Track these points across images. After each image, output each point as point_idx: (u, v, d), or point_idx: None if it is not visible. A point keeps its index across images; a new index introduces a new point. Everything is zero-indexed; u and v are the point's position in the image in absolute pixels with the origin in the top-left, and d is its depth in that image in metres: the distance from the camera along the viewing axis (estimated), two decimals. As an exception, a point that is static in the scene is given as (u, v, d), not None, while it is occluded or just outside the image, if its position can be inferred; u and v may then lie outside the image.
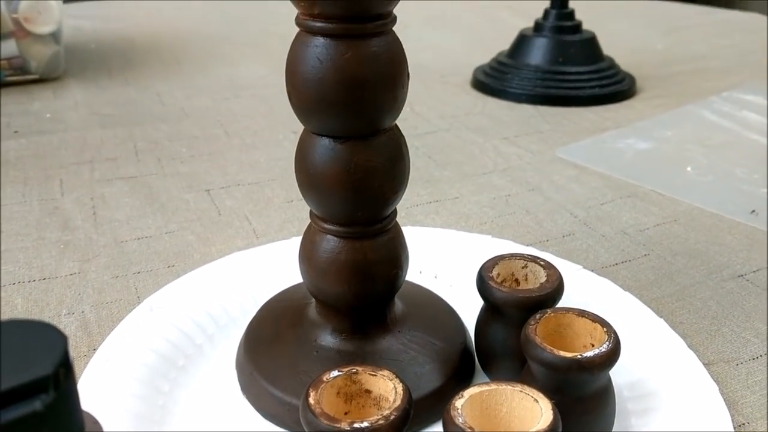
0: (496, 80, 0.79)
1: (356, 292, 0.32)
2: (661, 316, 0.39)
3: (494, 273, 0.34)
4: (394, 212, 0.33)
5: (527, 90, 0.76)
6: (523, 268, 0.35)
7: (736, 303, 0.41)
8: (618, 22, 1.16)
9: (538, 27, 0.80)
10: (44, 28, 0.80)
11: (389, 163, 0.31)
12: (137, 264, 0.45)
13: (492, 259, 0.35)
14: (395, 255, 0.33)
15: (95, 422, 0.19)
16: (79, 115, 0.71)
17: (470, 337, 0.36)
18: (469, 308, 0.38)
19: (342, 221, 0.32)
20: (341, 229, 0.32)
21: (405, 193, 0.50)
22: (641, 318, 0.38)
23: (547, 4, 0.80)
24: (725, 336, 0.39)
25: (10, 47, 0.79)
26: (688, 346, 0.36)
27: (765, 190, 0.55)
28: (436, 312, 0.38)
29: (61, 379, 0.17)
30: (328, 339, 0.34)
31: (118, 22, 1.11)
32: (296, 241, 0.43)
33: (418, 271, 0.43)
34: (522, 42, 0.80)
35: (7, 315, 0.40)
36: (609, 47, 0.84)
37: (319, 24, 0.28)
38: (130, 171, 0.59)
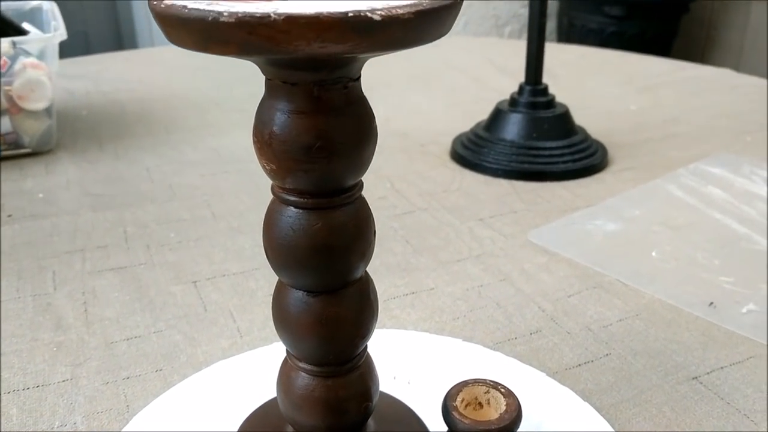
0: (474, 153, 0.82)
1: (329, 425, 0.35)
2: (617, 424, 0.42)
3: (459, 399, 0.37)
4: (365, 348, 0.36)
5: (503, 165, 0.79)
6: (485, 393, 0.38)
7: (688, 409, 0.44)
8: (595, 77, 1.20)
9: (513, 102, 0.83)
10: (37, 105, 0.83)
11: (358, 312, 0.33)
12: (126, 368, 0.48)
13: (457, 385, 0.38)
14: (365, 389, 0.36)
15: None
16: (71, 194, 0.74)
17: (438, 451, 0.39)
18: (438, 416, 0.40)
19: (315, 362, 0.34)
20: (314, 368, 0.34)
21: (383, 285, 0.53)
22: (597, 427, 0.40)
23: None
24: (677, 446, 0.41)
25: (4, 124, 0.82)
26: (641, 459, 0.39)
27: (724, 279, 0.59)
28: (407, 429, 0.40)
29: None
30: (304, 463, 0.37)
31: (108, 83, 1.14)
32: (277, 347, 0.46)
33: (392, 377, 0.46)
34: (498, 116, 0.83)
35: (4, 426, 0.43)
36: (583, 110, 0.87)
37: (291, 198, 0.31)
38: (120, 261, 0.61)
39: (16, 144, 0.83)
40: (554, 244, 0.64)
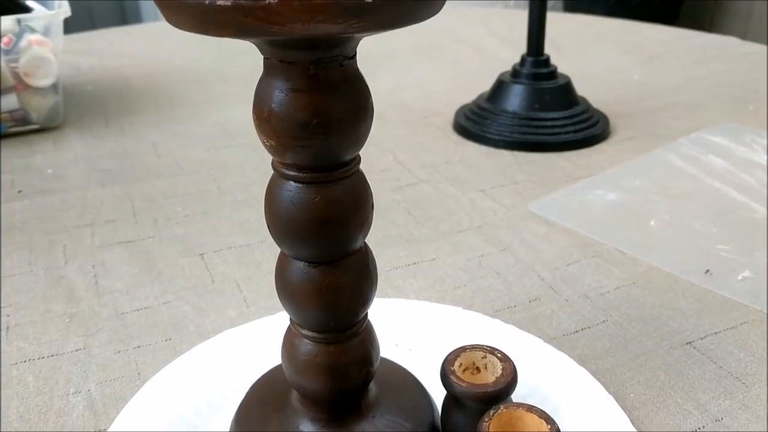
0: (476, 125, 0.83)
1: (331, 389, 0.36)
2: (612, 387, 0.44)
3: (456, 364, 0.38)
4: (365, 315, 0.37)
5: (505, 136, 0.80)
6: (482, 358, 0.39)
7: (681, 373, 0.46)
8: (599, 46, 1.20)
9: (515, 73, 0.84)
10: (43, 82, 0.84)
11: (357, 282, 0.35)
12: (137, 338, 0.50)
13: (455, 351, 0.39)
14: (366, 355, 0.37)
15: None
16: (79, 170, 0.75)
17: (438, 414, 0.41)
18: (439, 381, 0.41)
19: (316, 329, 0.36)
20: (316, 335, 0.36)
21: (386, 256, 0.54)
22: (592, 395, 0.42)
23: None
24: (669, 408, 0.43)
25: (11, 101, 0.83)
26: (633, 420, 0.41)
27: (720, 247, 0.60)
28: (408, 393, 0.42)
29: None
30: (308, 426, 0.38)
31: (113, 58, 1.15)
32: (282, 317, 0.47)
33: (394, 344, 0.47)
34: (500, 88, 0.84)
35: (20, 394, 0.45)
36: (585, 79, 0.88)
37: (291, 172, 0.32)
38: (129, 234, 0.63)
39: (24, 120, 0.85)
40: (554, 214, 0.65)
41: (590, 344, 0.48)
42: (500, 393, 0.37)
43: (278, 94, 0.30)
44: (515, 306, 0.53)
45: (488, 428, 0.34)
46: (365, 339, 0.37)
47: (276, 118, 0.30)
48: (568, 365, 0.44)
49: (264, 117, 0.30)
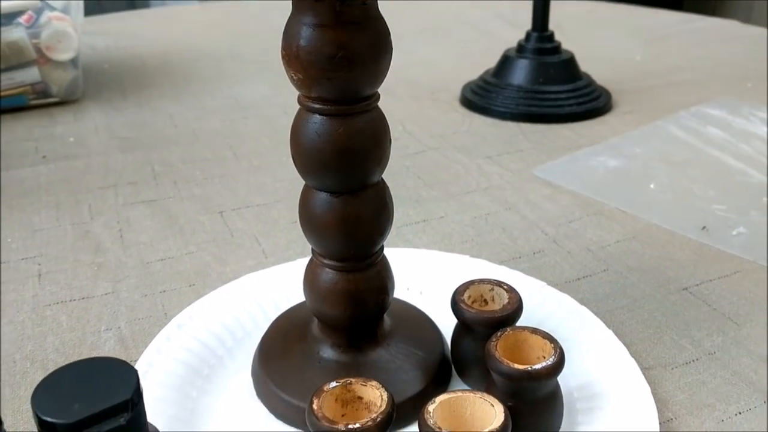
0: (482, 98, 0.85)
1: (350, 315, 0.39)
2: (611, 327, 0.46)
3: (465, 296, 0.41)
4: (381, 248, 0.40)
5: (510, 108, 0.83)
6: (490, 290, 0.42)
7: (677, 314, 0.48)
8: (603, 30, 1.23)
9: (520, 48, 0.86)
10: (64, 56, 0.87)
11: (376, 212, 0.38)
12: (162, 283, 0.52)
13: (464, 284, 0.42)
14: (383, 284, 0.40)
15: (156, 430, 0.26)
16: (100, 139, 0.78)
17: (448, 347, 0.43)
18: (448, 320, 0.44)
19: (337, 258, 0.38)
20: (337, 264, 0.39)
21: (397, 213, 0.57)
22: (593, 329, 0.45)
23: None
24: (665, 343, 0.46)
25: (32, 74, 0.86)
26: (632, 353, 0.43)
27: (717, 206, 0.62)
28: (420, 326, 0.45)
29: (136, 402, 0.24)
30: (328, 352, 0.41)
31: (128, 38, 1.18)
32: (300, 263, 0.50)
33: (406, 288, 0.50)
34: (506, 63, 0.86)
35: (54, 331, 0.47)
36: (589, 60, 0.91)
37: (316, 105, 0.34)
38: (150, 195, 0.66)
39: (45, 93, 0.87)
40: (558, 178, 0.68)
41: (591, 290, 0.51)
42: (507, 318, 0.39)
43: (306, 30, 0.33)
44: (520, 257, 0.55)
45: (496, 348, 0.37)
46: (382, 270, 0.40)
47: (304, 52, 0.33)
48: (570, 304, 0.47)
49: (293, 52, 0.33)
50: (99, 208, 0.63)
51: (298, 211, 0.39)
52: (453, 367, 0.43)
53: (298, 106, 0.36)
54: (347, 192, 0.37)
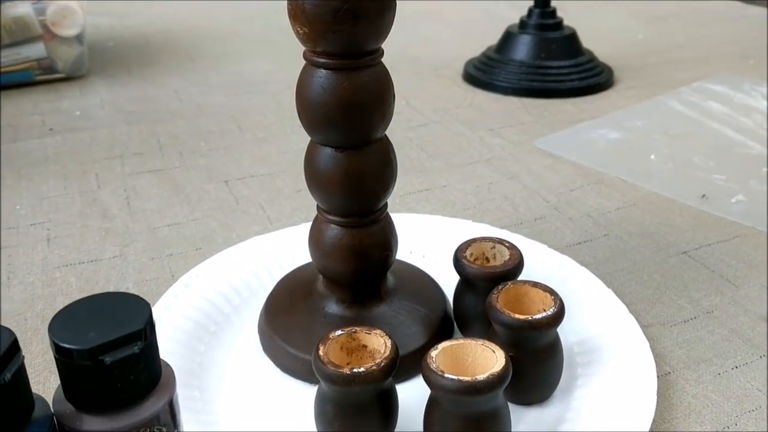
0: (485, 74, 0.86)
1: (354, 270, 0.40)
2: (611, 288, 0.47)
3: (468, 253, 0.42)
4: (385, 205, 0.41)
5: (513, 83, 0.83)
6: (491, 248, 0.42)
7: (676, 276, 0.49)
8: (605, 10, 1.23)
9: (522, 25, 0.87)
10: (69, 31, 0.87)
11: (379, 167, 0.38)
12: (169, 247, 0.53)
13: (466, 241, 0.43)
14: (386, 240, 0.41)
15: (168, 365, 0.27)
16: (106, 112, 0.79)
17: (450, 305, 0.44)
18: (451, 282, 0.45)
19: (342, 213, 0.39)
20: (342, 219, 0.39)
21: (400, 182, 0.58)
22: (592, 288, 0.45)
23: None
24: (664, 303, 0.46)
25: (39, 49, 0.86)
26: (631, 312, 0.44)
27: (716, 176, 0.63)
28: (422, 285, 0.45)
29: (148, 332, 0.25)
30: (333, 307, 0.42)
31: (132, 18, 1.18)
32: (305, 227, 0.51)
33: (409, 252, 0.50)
34: (508, 39, 0.87)
35: (63, 292, 0.48)
36: (592, 39, 0.91)
37: (321, 60, 0.35)
38: (156, 165, 0.66)
39: (51, 69, 0.88)
40: (559, 149, 0.69)
41: (592, 253, 0.52)
42: (508, 274, 0.40)
43: (312, -16, 0.33)
44: (522, 223, 0.56)
45: (497, 300, 0.37)
46: (385, 227, 0.41)
47: (309, 5, 0.33)
48: (570, 265, 0.48)
49: (298, 6, 0.34)
50: (106, 178, 0.64)
51: (303, 170, 0.40)
52: (455, 323, 0.43)
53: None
54: (351, 147, 0.37)
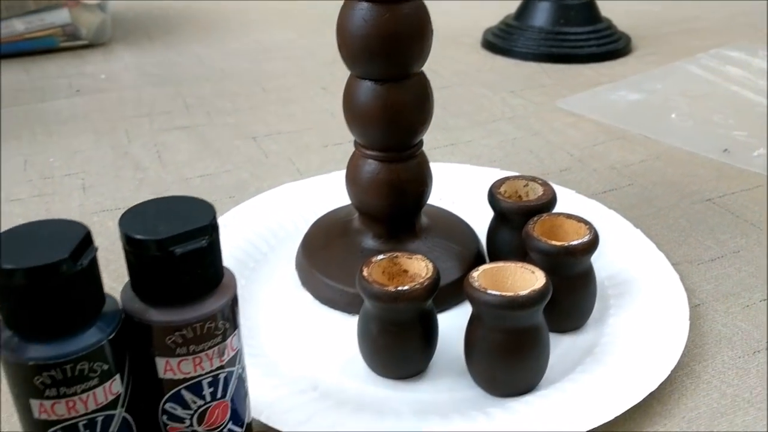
0: (504, 40, 0.87)
1: (391, 204, 0.41)
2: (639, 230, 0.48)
3: (501, 190, 0.43)
4: (421, 142, 0.42)
5: (532, 49, 0.84)
6: (524, 186, 0.43)
7: (702, 220, 0.50)
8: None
9: (541, -9, 0.88)
10: (93, -1, 0.88)
11: (418, 101, 0.39)
12: (203, 195, 0.53)
13: (500, 179, 0.44)
14: (422, 175, 0.42)
15: (228, 270, 0.28)
16: (131, 75, 0.80)
17: (482, 245, 0.45)
18: (480, 226, 0.46)
19: (380, 148, 0.40)
20: (379, 154, 0.40)
21: (424, 137, 0.58)
22: (621, 228, 0.46)
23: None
24: (690, 244, 0.47)
25: (63, 16, 0.87)
26: (660, 251, 0.45)
27: (737, 132, 0.64)
28: (455, 225, 0.46)
29: (215, 229, 0.26)
30: (369, 243, 0.43)
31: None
32: (336, 175, 0.52)
33: (438, 198, 0.51)
34: (527, 5, 0.88)
35: (102, 233, 0.49)
36: (609, 10, 0.92)
37: (365, -9, 0.36)
38: (184, 122, 0.67)
39: (74, 36, 0.89)
40: (581, 109, 0.69)
41: (617, 201, 0.53)
42: (542, 207, 0.41)
43: None
44: (548, 174, 0.57)
45: (533, 230, 0.38)
46: (421, 163, 0.42)
47: (355, -65, 0.34)
48: (599, 208, 0.49)
49: (343, -63, 0.35)
50: (135, 133, 0.65)
51: (342, 106, 0.41)
52: (488, 261, 0.45)
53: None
54: (391, 80, 0.38)
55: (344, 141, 0.62)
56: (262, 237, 0.47)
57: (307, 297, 0.43)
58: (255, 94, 0.75)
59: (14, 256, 0.23)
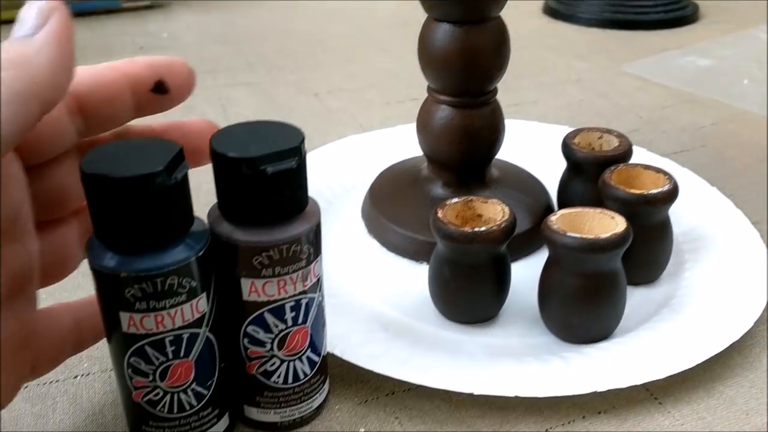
0: (567, 6, 0.85)
1: (463, 151, 0.41)
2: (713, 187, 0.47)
3: (576, 141, 0.42)
4: (496, 89, 0.41)
5: (596, 15, 0.82)
6: (599, 138, 0.43)
7: (780, 182, 0.48)
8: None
9: (607, -44, 0.85)
10: (155, -41, 0.89)
11: (495, 45, 0.39)
12: (267, 147, 0.54)
13: (573, 130, 0.43)
14: (496, 123, 0.41)
15: (312, 198, 0.28)
16: (192, 34, 0.80)
17: (552, 199, 0.44)
18: (550, 182, 0.45)
19: (454, 93, 0.40)
20: (454, 99, 0.40)
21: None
22: (696, 185, 0.45)
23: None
24: (769, 204, 0.46)
25: (125, -24, 0.88)
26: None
27: (814, 99, 0.61)
28: (524, 178, 0.46)
29: (303, 151, 0.26)
30: (438, 191, 0.42)
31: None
32: (401, 129, 0.51)
33: (506, 155, 0.51)
34: (592, -30, 0.86)
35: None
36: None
37: (448, -72, 0.35)
38: (247, 79, 0.68)
39: (136, -4, 0.90)
40: (648, 73, 0.68)
41: (690, 162, 0.51)
42: (618, 158, 0.40)
43: None
44: (616, 135, 0.56)
45: (610, 178, 0.37)
46: (495, 110, 0.41)
47: None
48: (672, 166, 0.47)
49: None
50: (199, 87, 0.65)
51: (417, 50, 0.40)
52: (558, 214, 0.44)
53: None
54: (469, 22, 0.38)
55: (406, 99, 0.62)
56: (328, 185, 0.47)
57: (374, 244, 0.42)
58: (316, 53, 0.75)
59: (110, 168, 0.23)
